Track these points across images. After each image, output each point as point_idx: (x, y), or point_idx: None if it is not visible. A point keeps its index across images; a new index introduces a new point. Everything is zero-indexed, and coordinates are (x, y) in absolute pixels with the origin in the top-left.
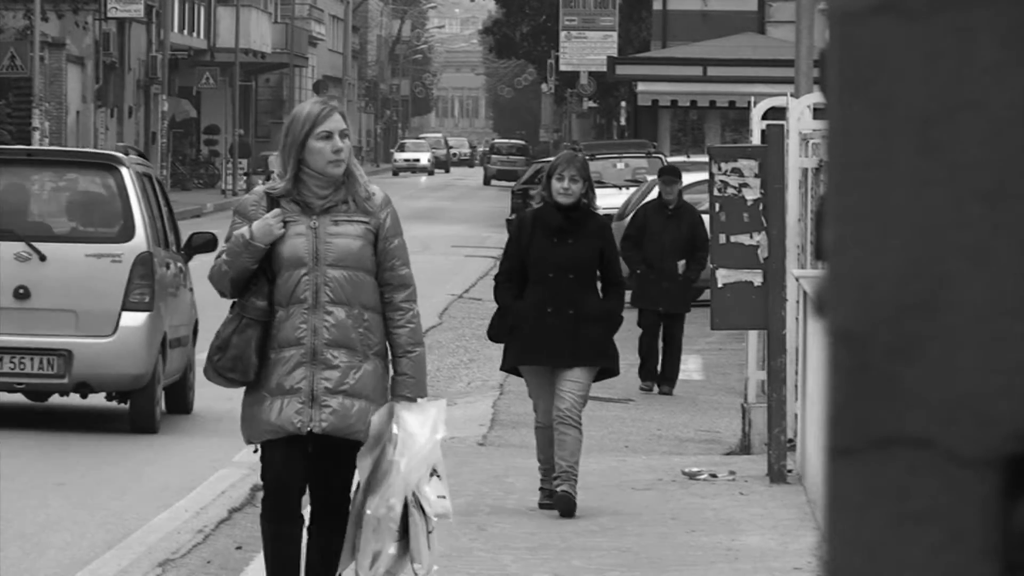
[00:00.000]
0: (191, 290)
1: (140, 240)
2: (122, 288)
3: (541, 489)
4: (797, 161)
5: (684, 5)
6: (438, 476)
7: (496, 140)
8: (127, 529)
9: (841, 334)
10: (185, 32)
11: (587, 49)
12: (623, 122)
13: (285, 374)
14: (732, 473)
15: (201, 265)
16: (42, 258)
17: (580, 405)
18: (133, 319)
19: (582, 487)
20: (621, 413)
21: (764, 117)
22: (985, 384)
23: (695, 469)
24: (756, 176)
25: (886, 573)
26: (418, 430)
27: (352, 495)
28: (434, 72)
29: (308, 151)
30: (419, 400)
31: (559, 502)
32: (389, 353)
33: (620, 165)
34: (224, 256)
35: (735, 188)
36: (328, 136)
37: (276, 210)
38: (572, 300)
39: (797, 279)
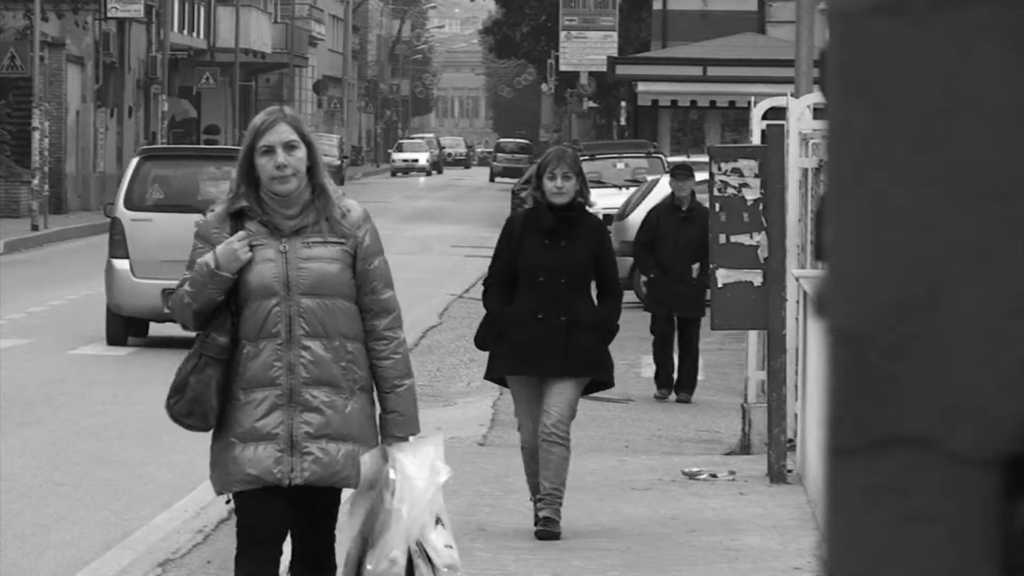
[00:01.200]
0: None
1: None
2: None
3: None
4: (797, 161)
5: (684, 5)
6: (442, 524)
7: (501, 140)
8: (127, 529)
9: (841, 334)
10: (185, 32)
11: (587, 49)
12: (623, 122)
13: (258, 418)
14: (732, 473)
15: None
16: None
17: (568, 420)
18: None
19: (582, 487)
20: (621, 413)
21: (764, 117)
22: (985, 384)
23: (695, 469)
24: (756, 176)
25: (886, 573)
26: (417, 473)
27: (347, 548)
28: (434, 72)
29: (256, 167)
30: (412, 438)
31: (541, 531)
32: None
33: (620, 165)
34: (187, 287)
35: (735, 188)
36: (269, 151)
37: (241, 232)
38: (564, 306)
39: (797, 279)
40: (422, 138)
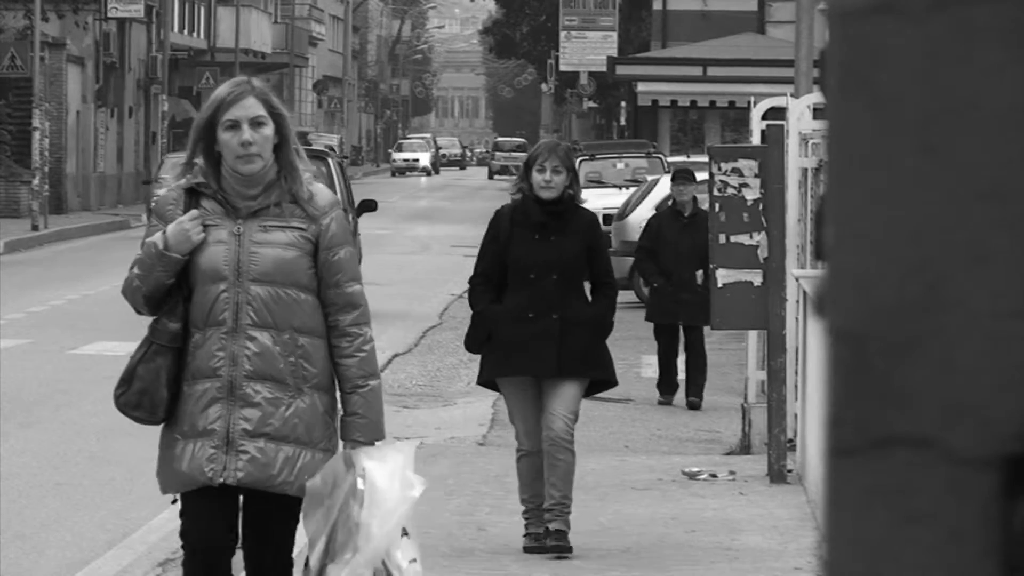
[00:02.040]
0: (359, 234)
1: (340, 202)
2: None
3: (528, 534)
4: (797, 161)
5: (684, 5)
6: (407, 535)
7: (498, 139)
8: (127, 529)
9: (841, 334)
10: (185, 32)
11: (587, 49)
12: (623, 122)
13: (199, 412)
14: (732, 473)
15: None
16: None
17: (572, 423)
18: None
19: (582, 487)
20: (621, 413)
21: (764, 117)
22: (985, 384)
23: (695, 469)
24: (756, 176)
25: (886, 573)
26: (387, 484)
27: (304, 560)
28: (434, 72)
29: (219, 142)
30: (377, 444)
31: (553, 544)
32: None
33: (620, 165)
34: (136, 268)
35: (735, 188)
36: (234, 126)
37: (193, 212)
38: (556, 304)
39: (797, 279)
40: (421, 138)
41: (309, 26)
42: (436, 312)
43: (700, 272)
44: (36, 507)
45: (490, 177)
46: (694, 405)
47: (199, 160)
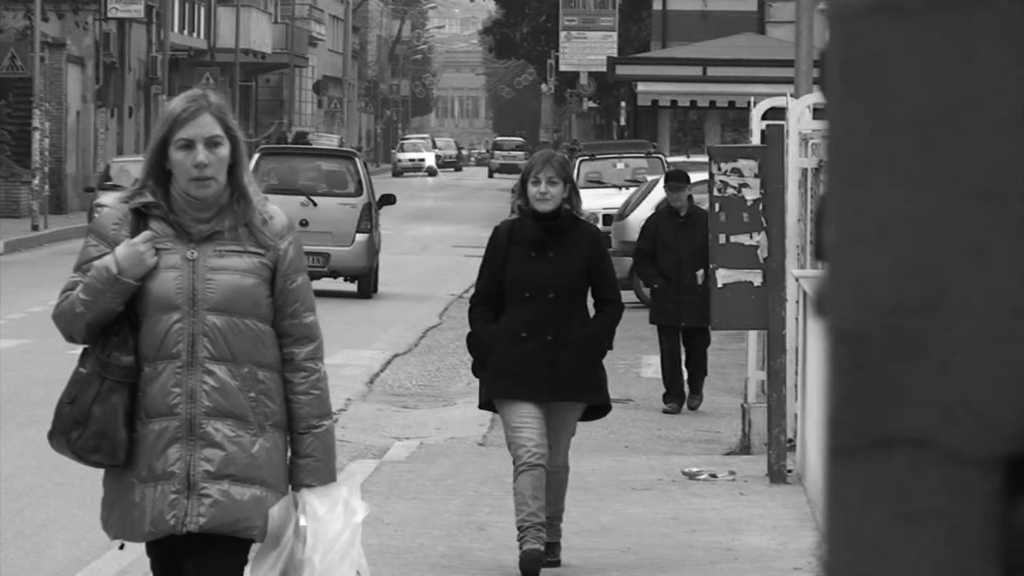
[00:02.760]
0: (379, 227)
1: (365, 196)
2: (356, 221)
3: (523, 551)
4: (797, 161)
5: (684, 5)
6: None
7: (498, 138)
8: None
9: (841, 334)
10: (185, 32)
11: (587, 49)
12: (623, 122)
13: (157, 454)
14: (732, 473)
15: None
16: (314, 204)
17: (567, 449)
18: (361, 237)
19: (582, 487)
20: (621, 413)
21: (764, 117)
22: (985, 384)
23: (695, 469)
24: (756, 176)
25: (886, 573)
26: (329, 515)
27: None
28: (434, 72)
29: (171, 162)
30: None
31: (526, 559)
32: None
33: (620, 165)
34: (80, 293)
35: (735, 188)
36: (188, 145)
37: (146, 233)
38: (551, 324)
39: (797, 279)
40: (421, 138)
41: (309, 26)
42: (436, 312)
43: (700, 272)
44: (36, 507)
45: (490, 176)
46: (693, 406)
47: (150, 181)
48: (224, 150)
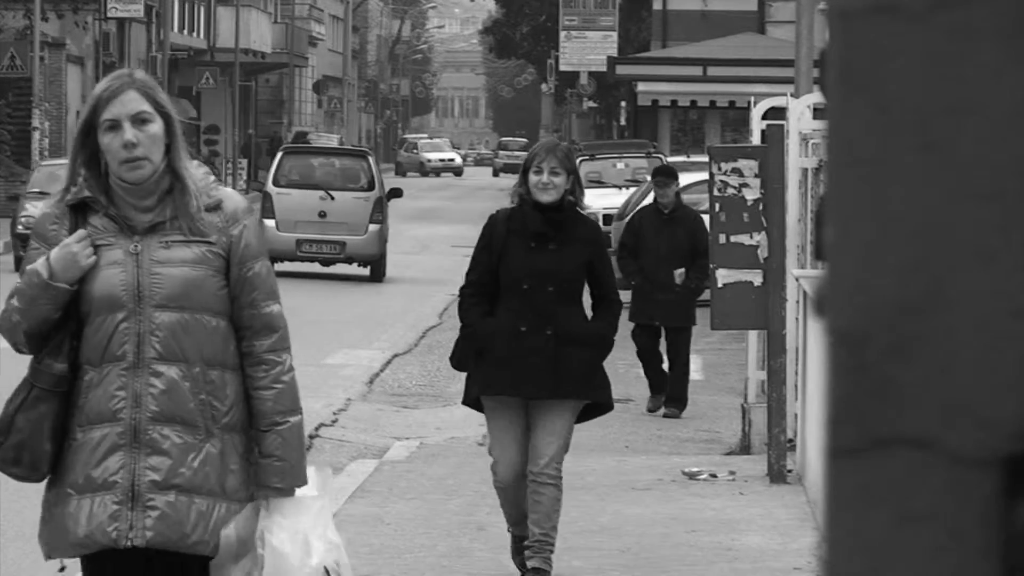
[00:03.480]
0: (388, 217)
1: (376, 191)
2: (368, 212)
3: (518, 553)
4: (797, 161)
5: (684, 5)
6: None
7: (503, 138)
8: None
9: (841, 334)
10: (185, 32)
11: (587, 49)
12: (623, 122)
13: (96, 462)
14: (732, 473)
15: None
16: (332, 198)
17: (560, 458)
18: (373, 227)
19: (582, 487)
20: (621, 413)
21: (764, 117)
22: (985, 384)
23: (695, 469)
24: (756, 176)
25: (886, 573)
26: (289, 547)
27: None
28: (434, 72)
29: (102, 147)
30: (298, 492)
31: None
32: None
33: (620, 165)
34: (14, 301)
35: (735, 188)
36: (114, 126)
37: (81, 232)
38: (552, 317)
39: (797, 279)
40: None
41: (309, 26)
42: (436, 312)
43: (679, 271)
44: (36, 507)
45: (495, 175)
46: (672, 415)
47: (83, 171)
48: (155, 127)
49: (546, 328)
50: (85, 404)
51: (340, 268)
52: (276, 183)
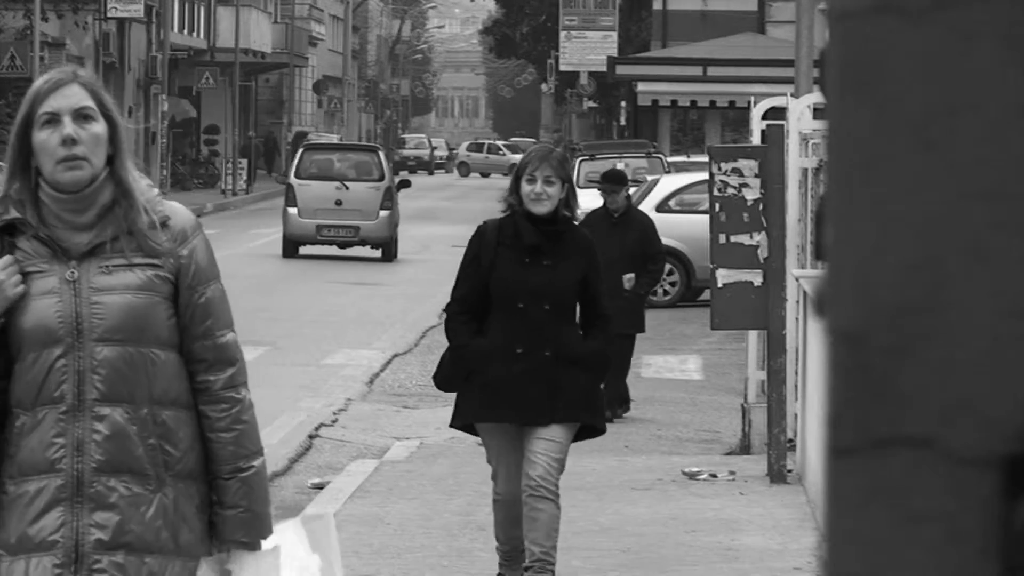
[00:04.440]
0: (398, 203)
1: (386, 181)
2: (379, 200)
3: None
4: (797, 161)
5: (684, 5)
6: None
7: (512, 139)
8: None
9: (841, 334)
10: (185, 32)
11: (587, 49)
12: (623, 122)
13: (31, 520)
14: (732, 473)
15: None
16: (347, 188)
17: (557, 471)
18: (384, 213)
19: (582, 487)
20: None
21: (764, 117)
22: (985, 384)
23: (695, 469)
24: (756, 176)
25: (886, 573)
26: None
27: None
28: (434, 72)
29: (35, 148)
30: (263, 545)
31: None
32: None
33: (620, 165)
34: None
35: (735, 188)
36: (52, 120)
37: (7, 258)
38: (549, 338)
39: (797, 279)
40: (413, 138)
41: (309, 26)
42: (436, 312)
43: (628, 276)
44: None
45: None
46: (617, 417)
47: (16, 183)
48: (98, 127)
49: (544, 349)
50: (17, 453)
51: (355, 251)
52: (298, 176)
